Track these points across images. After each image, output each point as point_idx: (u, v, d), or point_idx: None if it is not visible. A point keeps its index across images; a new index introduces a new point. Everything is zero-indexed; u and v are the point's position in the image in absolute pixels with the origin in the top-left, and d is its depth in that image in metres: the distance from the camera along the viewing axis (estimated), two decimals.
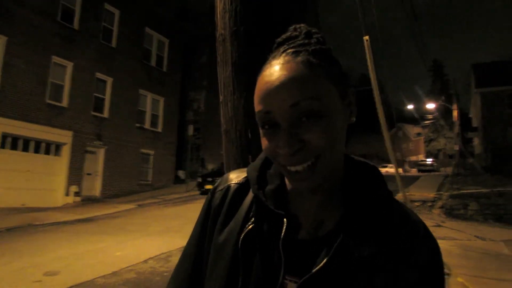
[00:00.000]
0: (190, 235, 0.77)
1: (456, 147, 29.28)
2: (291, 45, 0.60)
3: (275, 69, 0.58)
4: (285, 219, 0.62)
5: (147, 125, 18.02)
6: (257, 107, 0.59)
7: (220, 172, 16.39)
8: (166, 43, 19.45)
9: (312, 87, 0.56)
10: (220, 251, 0.67)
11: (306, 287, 0.57)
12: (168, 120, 19.36)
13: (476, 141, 32.83)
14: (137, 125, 17.27)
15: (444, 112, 40.52)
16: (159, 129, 18.79)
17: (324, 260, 0.57)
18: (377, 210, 0.61)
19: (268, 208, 0.64)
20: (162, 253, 6.30)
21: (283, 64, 0.58)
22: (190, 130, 17.92)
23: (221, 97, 1.35)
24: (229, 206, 0.71)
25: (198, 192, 16.14)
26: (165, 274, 5.29)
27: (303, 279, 0.58)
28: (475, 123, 32.79)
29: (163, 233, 8.00)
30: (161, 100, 18.98)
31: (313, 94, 0.56)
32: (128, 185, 16.37)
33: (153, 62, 18.58)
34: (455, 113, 29.47)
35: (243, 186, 0.73)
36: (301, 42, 0.61)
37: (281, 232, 0.62)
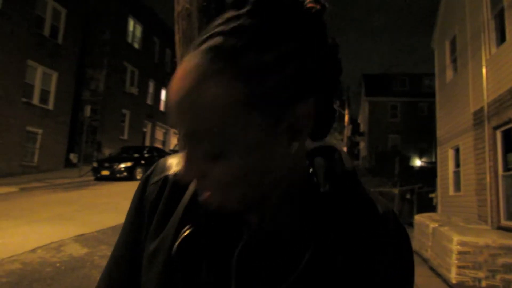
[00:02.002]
0: (117, 238, 0.63)
1: (345, 149, 32.39)
2: (216, 35, 0.42)
3: (181, 74, 0.42)
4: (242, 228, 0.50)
5: (35, 101, 16.00)
6: None
7: (119, 158, 15.45)
8: (63, 13, 17.46)
9: (212, 113, 0.40)
10: (151, 259, 0.54)
11: None
12: (61, 98, 17.47)
13: (362, 145, 36.67)
14: (24, 99, 15.23)
15: (337, 116, 44.37)
16: (50, 107, 16.86)
17: (294, 276, 0.47)
18: (343, 209, 0.50)
19: (215, 216, 0.50)
20: (53, 242, 5.69)
21: (187, 67, 0.42)
22: (87, 111, 16.43)
23: None
24: (166, 204, 0.56)
25: (93, 178, 14.97)
26: (57, 265, 4.79)
27: None
28: (362, 128, 36.62)
29: (52, 220, 7.23)
30: (54, 75, 17.02)
31: (209, 125, 0.41)
32: (7, 167, 14.35)
33: (46, 32, 16.52)
34: (346, 118, 32.50)
35: None
36: (229, 16, 0.43)
37: (234, 241, 0.49)
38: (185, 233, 0.51)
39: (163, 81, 26.72)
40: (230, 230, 0.50)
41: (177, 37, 1.14)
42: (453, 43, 10.60)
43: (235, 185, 0.44)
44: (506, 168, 7.27)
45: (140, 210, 0.59)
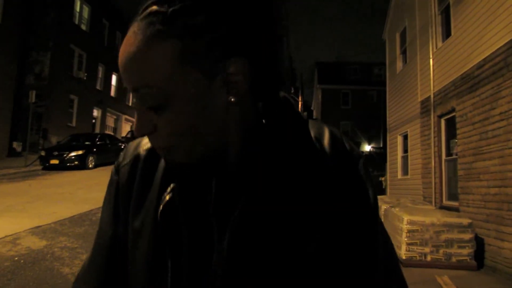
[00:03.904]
0: (98, 227, 0.66)
1: None
2: (151, 5, 0.48)
3: (124, 41, 0.49)
4: (213, 184, 0.55)
5: None
6: None
7: (69, 146, 14.73)
8: None
9: (151, 71, 0.47)
10: (138, 234, 0.57)
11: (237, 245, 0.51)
12: (2, 82, 16.23)
13: None
14: None
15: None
16: None
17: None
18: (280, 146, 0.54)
19: (187, 172, 0.55)
20: (7, 236, 5.41)
21: (130, 35, 0.48)
22: (32, 96, 15.39)
23: None
24: (141, 179, 0.60)
25: (40, 167, 14.15)
26: (15, 258, 4.59)
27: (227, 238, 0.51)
28: (315, 115, 37.62)
29: (2, 212, 6.82)
30: None
31: (150, 81, 0.47)
32: None
33: None
34: (300, 105, 33.22)
35: (154, 152, 0.59)
36: (164, 0, 0.48)
37: (208, 198, 0.54)
38: (166, 199, 0.55)
39: (114, 66, 25.58)
40: (201, 190, 0.55)
41: None
42: (403, 35, 11.18)
43: (182, 137, 0.49)
44: (448, 153, 7.92)
45: (116, 194, 0.63)
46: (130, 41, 0.48)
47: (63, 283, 4.03)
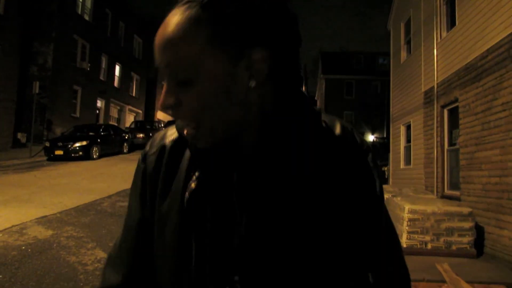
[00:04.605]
0: (127, 211, 0.73)
1: None
2: None
3: (164, 22, 0.55)
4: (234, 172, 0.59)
5: None
6: None
7: (74, 137, 14.83)
8: None
9: (185, 48, 0.53)
10: (165, 219, 0.63)
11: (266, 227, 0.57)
12: (5, 73, 16.28)
13: None
14: None
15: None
16: None
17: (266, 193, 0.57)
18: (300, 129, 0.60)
19: (211, 162, 0.60)
20: (14, 226, 5.51)
21: (170, 17, 0.54)
22: (36, 87, 15.43)
23: None
24: (167, 168, 0.65)
25: (45, 158, 14.27)
26: (22, 248, 4.69)
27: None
28: (319, 105, 37.49)
29: (9, 203, 6.93)
30: None
31: (182, 57, 0.53)
32: None
33: None
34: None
35: (179, 142, 0.66)
36: None
37: (232, 183, 0.59)
38: (192, 187, 0.60)
39: (117, 56, 25.56)
40: (223, 177, 0.60)
41: None
42: (407, 25, 11.09)
43: (204, 114, 0.55)
44: (451, 143, 7.92)
45: (143, 181, 0.69)
46: (171, 21, 0.54)
47: (70, 271, 4.12)
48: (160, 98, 0.56)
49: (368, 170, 0.63)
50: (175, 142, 0.67)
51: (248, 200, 0.58)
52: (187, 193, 0.60)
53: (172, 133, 0.68)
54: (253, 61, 0.54)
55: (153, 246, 0.66)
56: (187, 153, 0.64)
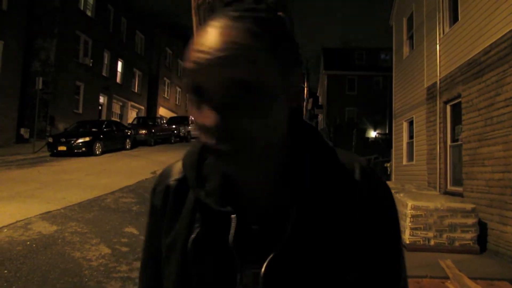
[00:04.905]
0: (143, 244, 0.75)
1: None
2: (236, 8, 0.52)
3: (212, 34, 0.49)
4: (232, 216, 0.57)
5: None
6: (188, 76, 0.52)
7: (77, 133, 14.88)
8: None
9: (252, 60, 0.49)
10: (169, 253, 0.64)
11: (273, 273, 0.55)
12: (8, 69, 16.34)
13: (320, 117, 37.59)
14: None
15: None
16: None
17: (284, 241, 0.55)
18: (325, 175, 0.58)
19: (213, 209, 0.58)
20: (18, 221, 5.56)
21: (222, 28, 0.49)
22: (39, 83, 15.47)
23: None
24: (172, 207, 0.65)
25: (48, 154, 14.33)
26: (27, 243, 4.74)
27: (264, 265, 0.55)
28: (321, 101, 37.42)
29: (13, 198, 6.98)
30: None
31: (252, 69, 0.49)
32: None
33: None
34: (305, 91, 33.04)
35: (184, 182, 0.65)
36: (248, 6, 0.52)
37: (230, 230, 0.57)
38: (196, 230, 0.60)
39: (119, 52, 25.56)
40: (227, 223, 0.58)
41: (195, 29, 1.17)
42: (410, 21, 11.03)
43: (258, 136, 0.50)
44: (454, 139, 7.91)
45: (154, 215, 0.69)
46: (225, 32, 0.49)
47: (75, 267, 4.16)
48: (210, 122, 0.50)
49: (395, 213, 0.62)
50: (178, 181, 0.66)
51: (247, 250, 0.57)
52: (191, 237, 0.60)
53: (176, 172, 0.68)
54: (296, 80, 0.55)
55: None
56: (191, 195, 0.64)
